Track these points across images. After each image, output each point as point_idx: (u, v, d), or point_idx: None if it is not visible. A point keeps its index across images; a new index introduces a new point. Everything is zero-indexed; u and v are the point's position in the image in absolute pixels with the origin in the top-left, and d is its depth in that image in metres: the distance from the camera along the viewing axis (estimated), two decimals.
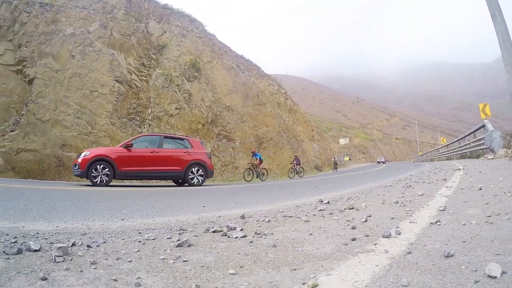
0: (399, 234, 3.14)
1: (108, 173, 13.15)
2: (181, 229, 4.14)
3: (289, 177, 27.72)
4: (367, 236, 3.25)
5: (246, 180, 22.30)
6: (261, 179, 23.73)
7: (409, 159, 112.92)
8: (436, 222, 3.47)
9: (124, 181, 16.46)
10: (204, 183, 15.39)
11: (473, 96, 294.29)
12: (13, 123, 19.62)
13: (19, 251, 2.79)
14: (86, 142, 19.01)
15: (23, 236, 3.49)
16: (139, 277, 2.28)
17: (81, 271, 2.40)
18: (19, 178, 16.24)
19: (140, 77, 24.06)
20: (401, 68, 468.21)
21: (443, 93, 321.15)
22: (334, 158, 49.70)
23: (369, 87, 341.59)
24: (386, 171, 28.75)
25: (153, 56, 26.35)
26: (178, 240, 3.35)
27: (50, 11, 22.31)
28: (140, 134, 17.24)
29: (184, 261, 2.70)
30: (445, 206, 4.35)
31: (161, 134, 15.85)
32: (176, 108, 24.59)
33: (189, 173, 14.87)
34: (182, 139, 15.87)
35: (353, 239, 3.14)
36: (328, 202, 6.24)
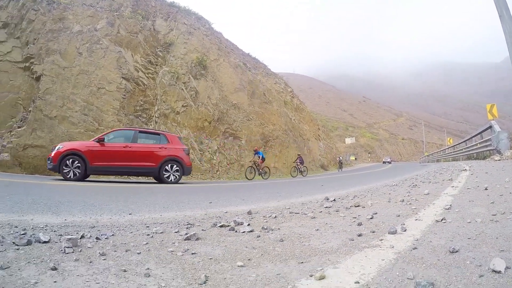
0: (405, 230, 3.17)
1: (79, 167, 12.81)
2: (189, 224, 4.18)
3: (292, 176, 27.50)
4: (373, 232, 3.28)
5: (248, 179, 22.05)
6: (263, 177, 23.45)
7: (415, 159, 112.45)
8: (442, 220, 3.50)
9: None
10: (180, 181, 14.81)
11: (481, 96, 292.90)
12: (20, 120, 19.75)
13: (29, 242, 2.85)
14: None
15: (32, 228, 3.55)
16: (148, 268, 2.32)
17: (90, 262, 2.45)
18: (26, 174, 16.34)
19: (147, 75, 24.11)
20: (409, 68, 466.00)
21: (450, 93, 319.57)
22: (339, 158, 49.38)
23: (376, 86, 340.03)
24: (392, 171, 28.69)
25: (160, 54, 26.39)
26: (186, 233, 3.39)
27: (57, 8, 22.41)
28: (116, 128, 16.62)
29: (192, 253, 2.75)
30: (450, 205, 4.37)
31: (136, 129, 15.20)
32: (182, 106, 24.64)
33: (164, 170, 14.24)
34: (158, 134, 15.21)
35: (359, 235, 3.17)
36: (334, 200, 6.27)
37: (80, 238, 3.10)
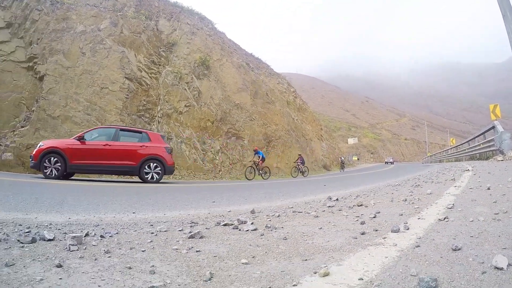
0: (408, 229, 3.18)
1: (59, 165, 12.73)
2: (192, 222, 4.21)
3: (292, 176, 27.14)
4: (376, 230, 3.29)
5: (247, 179, 21.71)
6: (263, 178, 23.21)
7: (418, 159, 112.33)
8: (444, 219, 3.51)
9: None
10: (161, 180, 14.49)
11: (484, 97, 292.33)
12: (23, 119, 19.84)
13: (33, 240, 2.87)
14: None
15: (36, 226, 3.57)
16: (153, 265, 2.34)
17: (95, 259, 2.47)
18: (29, 173, 16.38)
19: (150, 75, 24.16)
20: (412, 68, 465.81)
21: (453, 93, 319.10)
22: (341, 158, 48.72)
23: (379, 87, 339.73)
24: (394, 171, 28.65)
25: (163, 54, 26.45)
26: (190, 232, 3.41)
27: (61, 8, 22.52)
28: (97, 126, 16.44)
29: (196, 251, 2.77)
30: (453, 204, 4.37)
31: (118, 126, 14.89)
32: (185, 106, 24.67)
33: (145, 169, 13.90)
34: (140, 132, 14.81)
35: (363, 233, 3.19)
36: (337, 199, 6.29)
37: (85, 236, 3.13)
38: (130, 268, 2.28)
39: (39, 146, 13.03)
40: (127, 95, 21.63)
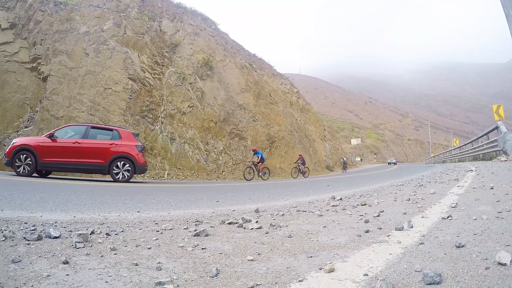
0: (412, 227, 3.20)
1: (30, 163, 12.66)
2: (197, 221, 4.24)
3: (292, 177, 26.80)
4: (380, 229, 3.31)
5: (246, 179, 21.33)
6: (262, 178, 22.79)
7: (421, 160, 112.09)
8: (448, 217, 3.52)
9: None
10: (131, 179, 14.10)
11: (487, 97, 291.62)
12: (27, 120, 19.92)
13: (39, 238, 2.90)
14: None
15: (41, 224, 3.60)
16: (159, 262, 2.37)
17: (101, 256, 2.50)
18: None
19: (153, 75, 24.20)
20: (415, 68, 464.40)
21: (456, 94, 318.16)
22: (343, 159, 48.50)
23: (382, 87, 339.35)
24: (397, 171, 28.59)
25: (166, 55, 26.48)
26: (195, 230, 3.44)
27: (65, 9, 22.57)
28: (69, 124, 16.03)
29: (202, 248, 2.80)
30: (456, 203, 4.38)
31: (89, 124, 14.49)
32: (188, 106, 24.70)
33: (114, 167, 13.47)
34: (111, 130, 14.31)
35: (367, 231, 3.20)
36: (341, 199, 6.31)
37: (90, 234, 3.15)
38: (136, 264, 2.31)
39: (12, 144, 13.05)
40: (131, 95, 21.67)
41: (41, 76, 20.68)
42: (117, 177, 13.41)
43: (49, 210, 4.80)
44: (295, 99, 44.82)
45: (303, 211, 4.96)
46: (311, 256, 2.48)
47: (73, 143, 13.23)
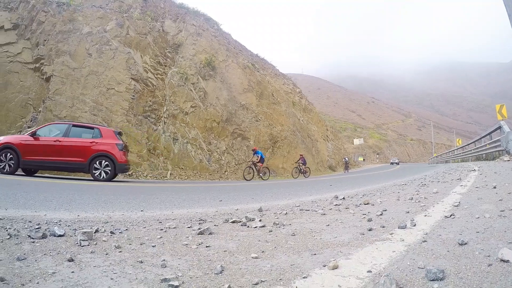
0: (414, 225, 3.21)
1: (13, 161, 12.63)
2: (201, 220, 4.26)
3: (293, 177, 26.33)
4: (383, 227, 3.33)
5: (245, 179, 21.14)
6: (262, 178, 22.54)
7: (424, 160, 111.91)
8: (451, 216, 3.53)
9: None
10: (113, 178, 13.92)
11: (490, 97, 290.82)
12: (30, 120, 19.98)
13: (44, 236, 2.93)
14: None
15: (46, 223, 3.62)
16: (164, 260, 2.38)
17: (106, 254, 2.52)
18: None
19: (156, 75, 24.24)
20: (417, 68, 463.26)
21: (459, 94, 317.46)
22: (345, 158, 47.82)
23: (385, 87, 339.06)
24: (400, 171, 28.55)
25: (169, 55, 26.53)
26: (199, 228, 3.46)
27: (67, 10, 22.64)
28: (52, 122, 15.76)
29: (206, 246, 2.82)
30: (459, 202, 4.39)
31: (70, 122, 14.33)
32: (191, 106, 24.73)
33: (94, 166, 13.29)
34: (92, 128, 14.16)
35: (370, 229, 3.22)
36: (344, 198, 6.32)
37: (95, 232, 3.17)
38: (141, 262, 2.33)
39: None
40: (133, 95, 21.70)
41: (44, 77, 20.75)
42: (96, 175, 13.26)
43: (53, 209, 4.83)
44: (297, 99, 44.82)
45: (306, 210, 4.97)
46: (315, 254, 2.50)
47: (54, 141, 13.17)
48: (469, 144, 30.24)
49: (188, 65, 26.54)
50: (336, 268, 2.07)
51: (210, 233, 3.32)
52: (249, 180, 20.88)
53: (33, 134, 13.13)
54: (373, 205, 5.14)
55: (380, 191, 7.64)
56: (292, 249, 2.67)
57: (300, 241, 2.94)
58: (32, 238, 2.85)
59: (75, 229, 3.33)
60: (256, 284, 1.92)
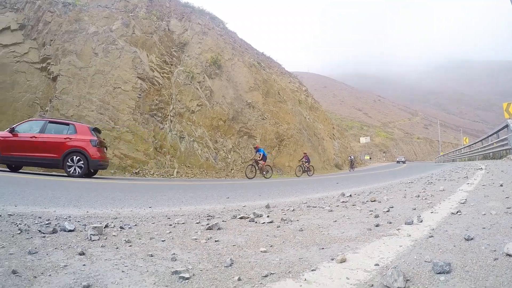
0: (421, 221, 3.23)
1: None
2: (209, 216, 4.30)
3: (296, 175, 25.98)
4: (390, 223, 3.35)
5: (248, 177, 20.73)
6: (265, 177, 22.13)
7: (430, 159, 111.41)
8: (457, 213, 3.55)
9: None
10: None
11: (497, 95, 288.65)
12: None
13: (54, 231, 2.97)
14: (109, 138, 19.23)
15: (55, 219, 3.66)
16: (174, 253, 2.43)
17: (117, 248, 2.57)
18: (43, 171, 16.54)
19: (162, 74, 24.29)
20: (424, 66, 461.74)
21: (466, 92, 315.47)
22: (351, 157, 47.10)
23: (391, 85, 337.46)
24: (406, 170, 28.40)
25: (175, 54, 26.57)
26: (208, 224, 3.50)
27: (73, 10, 22.74)
28: (31, 119, 16.05)
29: (215, 241, 2.86)
30: (466, 199, 4.41)
31: (47, 119, 14.51)
32: (197, 105, 24.77)
33: (68, 162, 13.22)
34: (68, 124, 14.09)
35: (377, 225, 3.25)
36: (350, 195, 6.34)
37: (105, 228, 3.22)
38: (151, 255, 2.37)
39: None
40: (140, 94, 21.77)
41: (51, 76, 20.86)
42: (70, 172, 13.20)
43: (62, 206, 4.87)
44: (303, 97, 44.75)
45: (313, 206, 5.00)
46: (323, 248, 2.53)
47: (30, 137, 13.20)
48: (476, 142, 30.11)
49: (194, 63, 26.58)
50: (344, 261, 2.10)
51: (219, 229, 3.36)
52: (251, 178, 20.63)
53: (12, 131, 13.22)
54: (380, 202, 5.16)
55: (387, 189, 7.65)
56: (300, 244, 2.70)
57: (308, 236, 2.97)
58: (43, 233, 2.89)
59: (85, 225, 3.37)
60: (266, 276, 1.95)
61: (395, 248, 2.35)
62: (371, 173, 25.19)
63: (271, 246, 2.66)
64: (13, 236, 2.74)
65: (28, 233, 2.88)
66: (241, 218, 4.03)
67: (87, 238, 2.80)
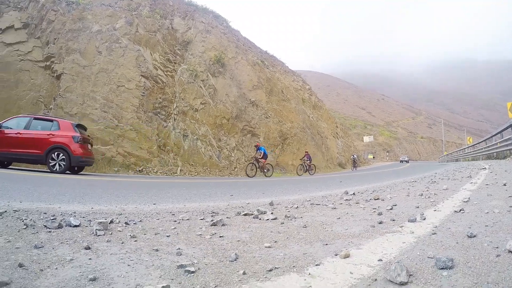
0: (424, 219, 3.25)
1: None
2: (213, 212, 4.32)
3: (298, 174, 25.87)
4: (393, 220, 3.38)
5: (248, 176, 20.45)
6: (265, 175, 21.87)
7: (434, 158, 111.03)
8: (460, 211, 3.57)
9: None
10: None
11: (501, 95, 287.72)
12: None
13: (60, 226, 3.01)
14: (113, 136, 19.32)
15: (61, 214, 3.68)
16: (179, 248, 2.46)
17: (122, 243, 2.60)
18: (46, 170, 16.62)
19: (165, 73, 24.32)
20: (428, 65, 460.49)
21: (470, 91, 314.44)
22: (354, 156, 45.70)
23: (395, 84, 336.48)
24: (410, 169, 28.35)
25: (178, 52, 26.59)
26: (212, 220, 3.54)
27: (77, 9, 22.83)
28: (17, 115, 15.46)
29: (220, 236, 2.89)
30: (469, 198, 4.43)
31: (33, 115, 14.42)
32: (201, 103, 24.80)
33: (51, 158, 13.30)
34: (52, 121, 14.12)
35: (380, 222, 3.27)
36: (354, 194, 6.36)
37: (110, 223, 3.25)
38: (157, 250, 2.40)
39: None
40: (143, 92, 21.81)
41: (55, 74, 20.94)
42: (53, 168, 13.27)
43: (67, 202, 4.90)
44: (307, 96, 44.70)
45: (317, 204, 5.03)
46: (327, 244, 2.55)
47: (15, 134, 13.34)
48: (480, 142, 30.00)
49: (198, 62, 26.60)
50: (347, 257, 2.13)
51: (223, 225, 3.39)
52: (252, 176, 20.39)
53: None
54: (383, 200, 5.18)
55: (390, 188, 7.67)
56: (304, 240, 2.73)
57: (312, 233, 3.00)
58: (48, 228, 2.92)
59: (90, 220, 3.40)
60: (270, 270, 1.98)
61: (398, 245, 2.37)
62: (375, 172, 25.17)
63: (275, 241, 2.69)
64: (19, 231, 2.78)
65: (33, 228, 2.92)
66: (245, 215, 4.06)
67: (93, 233, 2.84)
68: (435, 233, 2.63)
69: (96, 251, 2.33)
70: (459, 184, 6.92)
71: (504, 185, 5.60)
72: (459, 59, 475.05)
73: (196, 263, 2.12)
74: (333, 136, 48.16)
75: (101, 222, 3.00)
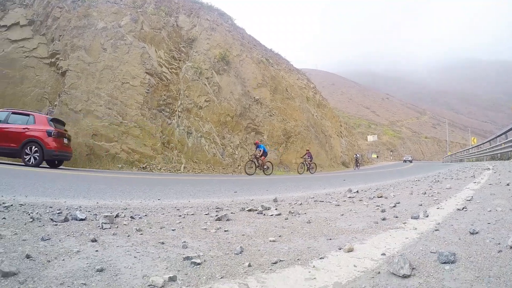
0: (427, 216, 3.28)
1: None
2: (218, 208, 4.36)
3: (298, 173, 25.35)
4: (396, 217, 3.40)
5: (247, 173, 20.44)
6: (265, 173, 21.59)
7: (438, 158, 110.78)
8: (463, 209, 3.60)
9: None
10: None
11: (506, 95, 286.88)
12: (46, 113, 20.21)
13: (66, 219, 3.06)
14: (117, 132, 19.37)
15: (66, 209, 3.73)
16: (184, 241, 2.49)
17: (128, 236, 2.64)
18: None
19: (170, 70, 24.34)
20: (433, 65, 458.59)
21: (475, 91, 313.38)
22: (356, 155, 45.24)
23: (399, 84, 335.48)
24: (413, 169, 28.30)
25: (183, 49, 26.59)
26: (217, 215, 3.58)
27: (82, 6, 22.86)
28: None
29: (225, 231, 2.92)
30: (472, 197, 4.45)
31: (11, 110, 14.54)
32: (205, 101, 24.80)
33: (26, 152, 13.48)
34: (28, 115, 14.27)
35: (383, 219, 3.30)
36: (357, 191, 6.38)
37: (115, 217, 3.29)
38: (163, 243, 2.44)
39: None
40: (148, 90, 21.84)
41: (60, 71, 21.00)
42: (27, 161, 13.42)
43: (72, 197, 4.95)
44: (311, 94, 44.63)
45: (320, 201, 5.05)
46: (330, 239, 2.59)
47: None
48: (484, 143, 29.92)
49: (202, 59, 26.60)
50: (351, 251, 2.16)
51: (228, 220, 3.42)
52: (251, 174, 20.31)
53: None
54: (387, 198, 5.21)
55: (394, 186, 7.69)
56: (308, 234, 2.76)
57: (316, 228, 3.03)
58: (55, 221, 2.97)
59: (96, 214, 3.45)
60: (275, 263, 2.01)
61: (401, 240, 2.40)
62: (378, 171, 25.14)
63: (280, 236, 2.72)
64: (25, 224, 2.82)
65: (40, 221, 2.96)
66: (249, 210, 4.09)
67: (99, 226, 2.88)
68: (437, 230, 2.66)
69: (102, 243, 2.37)
70: (462, 183, 6.94)
71: (508, 185, 5.61)
72: (464, 59, 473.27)
73: (202, 255, 2.15)
74: (337, 135, 48.08)
75: (107, 216, 3.04)
